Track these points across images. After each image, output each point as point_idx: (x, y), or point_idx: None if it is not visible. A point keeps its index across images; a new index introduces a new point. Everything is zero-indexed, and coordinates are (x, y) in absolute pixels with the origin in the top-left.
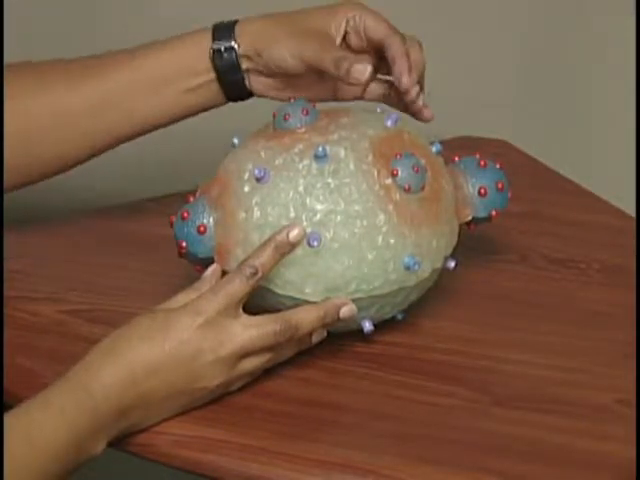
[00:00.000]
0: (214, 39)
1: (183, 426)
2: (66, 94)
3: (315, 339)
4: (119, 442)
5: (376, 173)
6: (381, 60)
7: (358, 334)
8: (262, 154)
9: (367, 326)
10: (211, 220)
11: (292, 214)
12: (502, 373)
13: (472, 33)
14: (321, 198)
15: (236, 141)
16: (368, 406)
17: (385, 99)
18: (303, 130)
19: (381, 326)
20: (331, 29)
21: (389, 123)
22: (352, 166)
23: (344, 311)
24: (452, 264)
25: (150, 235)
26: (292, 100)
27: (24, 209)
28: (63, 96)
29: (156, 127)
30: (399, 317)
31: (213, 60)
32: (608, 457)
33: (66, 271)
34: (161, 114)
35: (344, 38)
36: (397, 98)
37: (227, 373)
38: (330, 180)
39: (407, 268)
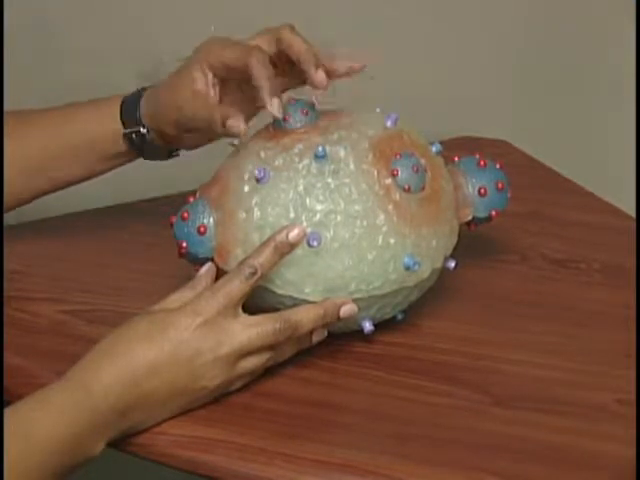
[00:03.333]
0: (124, 124)
1: (183, 426)
2: None
3: (315, 339)
4: (119, 442)
5: (376, 173)
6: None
7: (358, 334)
8: (262, 154)
9: (367, 326)
10: (211, 220)
11: (292, 214)
12: (502, 373)
13: (472, 33)
14: (321, 198)
15: (236, 141)
16: (368, 406)
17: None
18: (303, 130)
19: (381, 326)
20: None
21: (389, 123)
22: (352, 166)
23: (344, 310)
24: (452, 264)
25: (150, 235)
26: (292, 101)
27: (24, 209)
28: None
29: (83, 181)
30: (399, 317)
31: (128, 142)
32: (608, 457)
33: (66, 271)
34: (84, 176)
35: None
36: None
37: (227, 373)
38: (330, 180)
39: (407, 268)
